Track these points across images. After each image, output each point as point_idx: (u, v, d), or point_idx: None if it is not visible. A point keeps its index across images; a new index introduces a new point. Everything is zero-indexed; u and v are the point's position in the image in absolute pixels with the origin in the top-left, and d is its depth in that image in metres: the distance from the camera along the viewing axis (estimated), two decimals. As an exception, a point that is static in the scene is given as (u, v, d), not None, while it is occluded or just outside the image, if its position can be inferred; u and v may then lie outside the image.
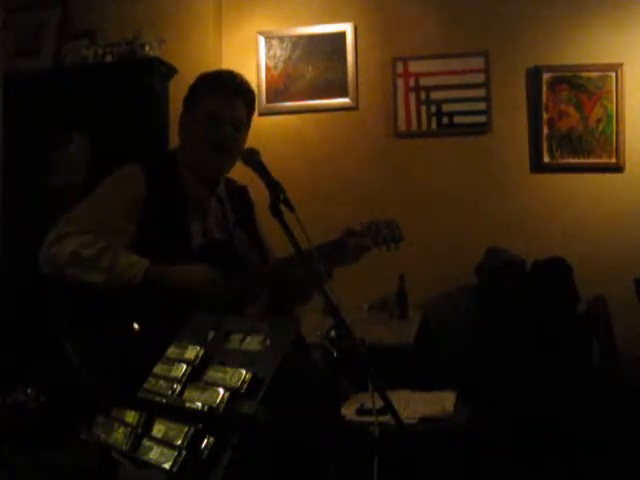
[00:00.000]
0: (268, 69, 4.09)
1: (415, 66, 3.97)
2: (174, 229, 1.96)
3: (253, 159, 1.78)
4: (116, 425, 1.34)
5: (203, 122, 2.03)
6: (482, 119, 3.93)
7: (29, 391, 2.41)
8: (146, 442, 1.27)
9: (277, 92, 4.07)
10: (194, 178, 2.05)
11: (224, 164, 2.08)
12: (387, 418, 1.48)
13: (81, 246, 1.84)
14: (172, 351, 1.44)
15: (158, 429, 1.27)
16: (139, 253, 1.87)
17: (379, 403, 1.46)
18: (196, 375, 1.35)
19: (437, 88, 3.96)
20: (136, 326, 1.82)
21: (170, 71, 3.76)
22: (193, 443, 1.20)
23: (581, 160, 3.83)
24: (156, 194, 1.96)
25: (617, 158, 3.79)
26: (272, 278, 2.03)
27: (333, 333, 2.25)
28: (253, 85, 4.03)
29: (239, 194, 2.22)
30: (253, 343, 1.35)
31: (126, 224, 1.92)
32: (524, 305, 3.31)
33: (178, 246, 1.94)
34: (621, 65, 3.77)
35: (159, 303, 1.84)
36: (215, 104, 2.03)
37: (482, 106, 3.92)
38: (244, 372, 1.27)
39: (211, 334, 1.44)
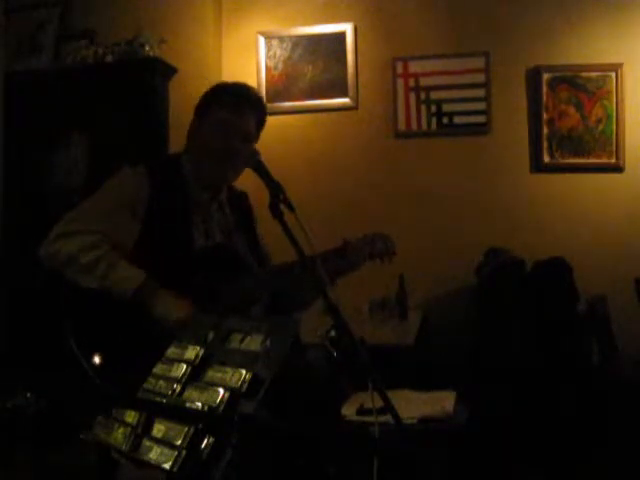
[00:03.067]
0: (268, 69, 4.09)
1: (415, 66, 3.97)
2: (177, 231, 1.97)
3: (253, 159, 1.78)
4: (116, 425, 1.34)
5: (211, 131, 2.03)
6: (482, 119, 3.93)
7: (28, 395, 2.41)
8: (146, 442, 1.27)
9: (277, 92, 4.07)
10: (198, 183, 2.06)
11: (227, 174, 2.08)
12: (387, 418, 1.48)
13: (80, 250, 1.84)
14: (172, 351, 1.44)
15: (158, 429, 1.27)
16: (142, 254, 1.88)
17: (379, 403, 1.46)
18: (196, 375, 1.35)
19: (437, 88, 3.96)
20: (97, 360, 1.80)
21: (170, 71, 3.76)
22: (193, 443, 1.20)
23: (581, 160, 3.83)
24: (159, 195, 1.96)
25: (617, 158, 3.79)
26: (272, 282, 2.03)
27: (333, 333, 2.25)
28: (253, 85, 4.04)
29: (239, 200, 2.23)
30: (253, 343, 1.35)
31: (131, 223, 1.93)
32: (524, 305, 3.31)
33: (180, 248, 1.95)
34: (621, 65, 3.77)
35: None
36: (225, 114, 2.04)
37: (482, 106, 3.92)
38: (244, 372, 1.27)
39: (211, 334, 1.44)
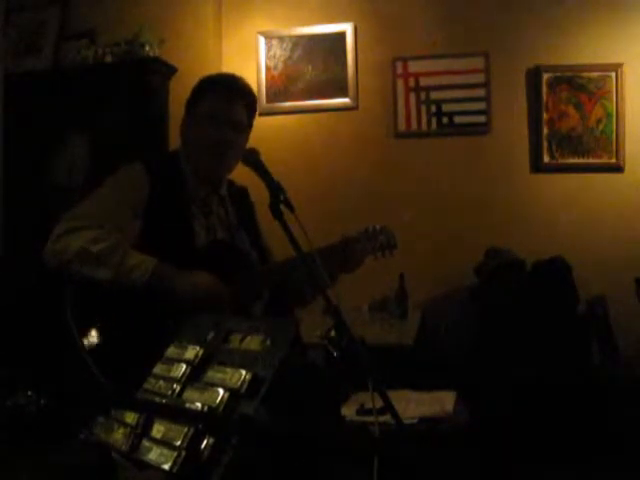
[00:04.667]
0: (268, 69, 4.09)
1: (415, 66, 3.97)
2: (178, 227, 1.97)
3: (253, 159, 1.78)
4: (116, 425, 1.33)
5: (203, 124, 2.04)
6: (482, 119, 3.93)
7: (29, 394, 2.41)
8: (146, 442, 1.27)
9: (277, 92, 4.07)
10: (196, 178, 2.07)
11: (224, 165, 2.09)
12: (387, 418, 1.48)
13: (89, 242, 1.83)
14: (172, 351, 1.44)
15: (158, 429, 1.27)
16: (143, 251, 1.88)
17: (379, 403, 1.46)
18: (196, 375, 1.35)
19: (437, 88, 3.96)
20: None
21: (170, 71, 3.76)
22: (193, 443, 1.20)
23: (581, 160, 3.83)
24: (159, 193, 1.97)
25: (617, 158, 3.79)
26: (273, 279, 2.03)
27: (333, 333, 2.25)
28: (253, 85, 4.03)
29: (240, 195, 2.23)
30: (253, 343, 1.35)
31: (131, 220, 1.93)
32: (524, 305, 3.31)
33: (182, 244, 1.95)
34: (621, 65, 3.77)
35: (164, 302, 1.84)
36: (215, 106, 2.04)
37: (482, 106, 3.92)
38: (244, 372, 1.27)
39: (211, 334, 1.44)
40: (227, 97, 2.05)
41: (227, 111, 2.04)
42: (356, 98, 4.03)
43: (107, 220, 1.90)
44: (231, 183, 2.21)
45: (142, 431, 1.29)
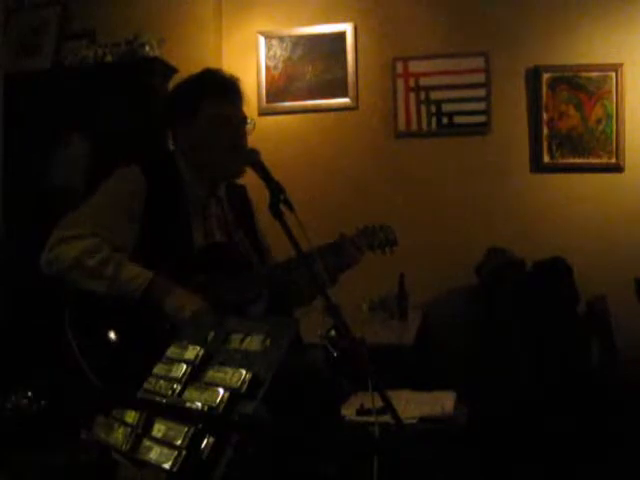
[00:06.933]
0: (268, 69, 4.09)
1: (415, 66, 3.97)
2: (176, 230, 1.96)
3: (253, 159, 1.78)
4: (116, 425, 1.33)
5: (217, 126, 2.01)
6: (482, 119, 3.93)
7: (29, 394, 2.41)
8: (146, 442, 1.26)
9: (277, 92, 4.08)
10: (195, 180, 2.05)
11: (241, 165, 2.07)
12: (387, 418, 1.48)
13: (84, 253, 1.83)
14: (172, 351, 1.44)
15: (158, 429, 1.27)
16: (141, 255, 1.87)
17: (379, 403, 1.46)
18: (196, 375, 1.35)
19: (437, 88, 3.96)
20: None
21: (170, 71, 3.76)
22: (193, 443, 1.20)
23: (581, 160, 3.83)
24: (157, 195, 1.95)
25: (617, 158, 3.79)
26: (272, 280, 2.03)
27: (333, 333, 2.25)
28: (253, 85, 4.03)
29: (238, 193, 2.22)
30: (253, 343, 1.35)
31: (128, 226, 1.92)
32: (524, 305, 3.31)
33: (181, 247, 1.94)
34: (621, 65, 3.78)
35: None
36: (224, 107, 2.02)
37: (482, 106, 3.93)
38: (244, 372, 1.26)
39: (211, 334, 1.44)
40: (231, 96, 2.05)
41: (235, 110, 2.04)
42: (356, 98, 4.03)
43: (103, 228, 1.89)
44: (229, 182, 2.20)
45: (142, 431, 1.29)
